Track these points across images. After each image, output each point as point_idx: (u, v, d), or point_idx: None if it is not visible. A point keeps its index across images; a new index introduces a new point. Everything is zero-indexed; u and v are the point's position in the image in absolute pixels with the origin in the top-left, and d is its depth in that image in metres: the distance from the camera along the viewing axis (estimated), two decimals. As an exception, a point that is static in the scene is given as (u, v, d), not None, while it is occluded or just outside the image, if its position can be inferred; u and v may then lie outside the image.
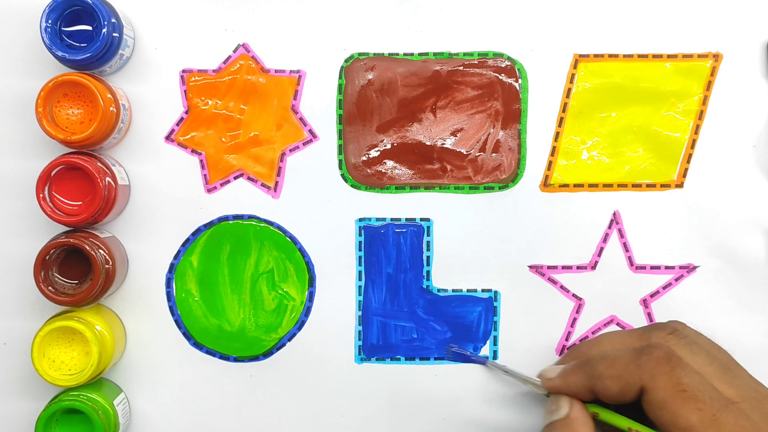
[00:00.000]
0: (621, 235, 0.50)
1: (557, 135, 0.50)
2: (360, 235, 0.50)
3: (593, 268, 0.50)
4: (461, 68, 0.50)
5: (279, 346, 0.51)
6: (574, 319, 0.51)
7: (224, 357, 0.51)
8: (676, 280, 0.50)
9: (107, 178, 0.46)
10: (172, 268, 0.50)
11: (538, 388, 0.47)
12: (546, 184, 0.50)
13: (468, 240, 0.50)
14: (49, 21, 0.45)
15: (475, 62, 0.50)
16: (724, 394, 0.39)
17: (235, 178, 0.50)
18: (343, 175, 0.50)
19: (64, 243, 0.46)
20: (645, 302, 0.51)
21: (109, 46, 0.46)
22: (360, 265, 0.50)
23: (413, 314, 0.51)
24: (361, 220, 0.50)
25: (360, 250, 0.50)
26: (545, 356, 0.51)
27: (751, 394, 0.39)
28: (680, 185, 0.50)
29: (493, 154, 0.50)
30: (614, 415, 0.43)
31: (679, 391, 0.39)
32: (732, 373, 0.41)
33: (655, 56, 0.50)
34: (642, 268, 0.50)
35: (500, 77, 0.50)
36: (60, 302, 0.46)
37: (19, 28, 0.48)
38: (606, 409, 0.43)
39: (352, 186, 0.50)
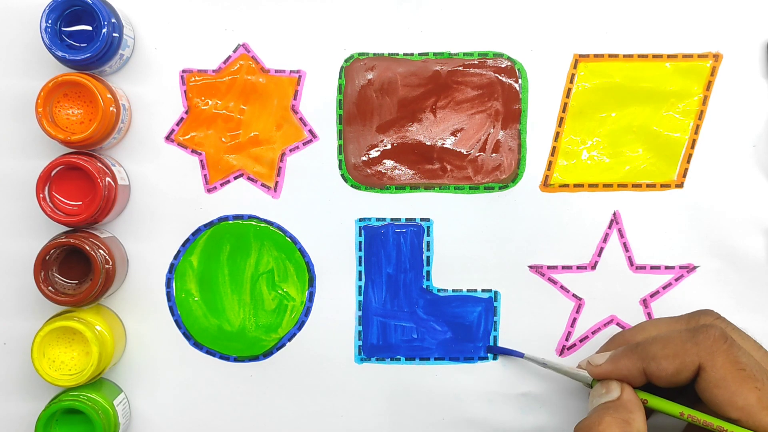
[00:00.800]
0: (621, 235, 0.50)
1: (557, 135, 0.50)
2: (360, 235, 0.50)
3: (593, 268, 0.50)
4: (461, 68, 0.50)
5: (279, 346, 0.51)
6: (574, 319, 0.51)
7: (224, 357, 0.51)
8: (676, 280, 0.50)
9: (107, 178, 0.46)
10: (172, 268, 0.50)
11: (580, 378, 0.46)
12: (546, 184, 0.50)
13: (468, 240, 0.50)
14: (49, 21, 0.45)
15: (475, 62, 0.50)
16: None
17: (235, 178, 0.50)
18: (343, 175, 0.50)
19: (64, 243, 0.46)
20: (645, 302, 0.51)
21: (109, 46, 0.46)
22: (360, 265, 0.50)
23: (413, 314, 0.51)
24: (361, 220, 0.50)
25: (360, 250, 0.50)
26: (545, 356, 0.51)
27: None
28: (680, 185, 0.50)
29: (493, 154, 0.50)
30: (664, 401, 0.42)
31: (738, 369, 0.38)
32: None
33: (655, 56, 0.50)
34: (642, 268, 0.50)
35: (500, 77, 0.50)
36: (60, 302, 0.46)
37: (19, 28, 0.48)
38: (655, 396, 0.43)
39: (352, 186, 0.50)
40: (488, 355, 0.51)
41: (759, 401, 0.37)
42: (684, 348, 0.40)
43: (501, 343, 0.51)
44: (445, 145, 0.50)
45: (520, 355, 0.49)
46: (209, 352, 0.51)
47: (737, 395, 0.38)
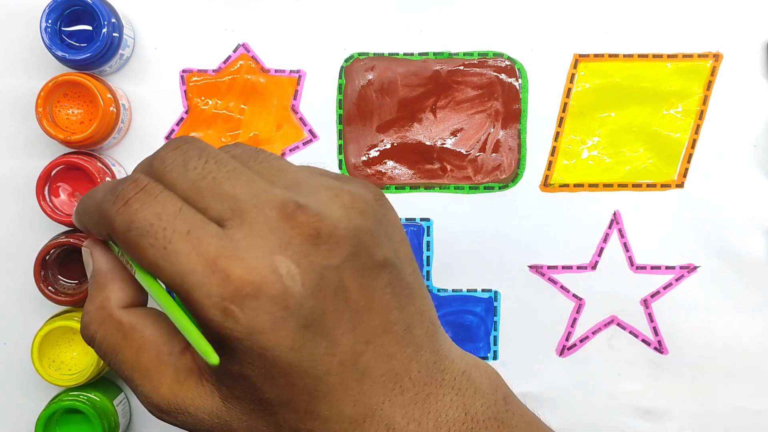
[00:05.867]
0: (621, 235, 0.50)
1: (557, 135, 0.50)
2: (360, 235, 0.50)
3: (593, 268, 0.50)
4: (461, 68, 0.50)
5: (279, 346, 0.51)
6: (575, 320, 0.51)
7: (224, 357, 0.51)
8: (677, 280, 0.50)
9: (107, 178, 0.46)
10: (172, 268, 0.50)
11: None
12: (546, 184, 0.50)
13: (468, 240, 0.50)
14: (49, 21, 0.45)
15: (475, 62, 0.50)
16: (211, 211, 0.29)
17: (235, 178, 0.50)
18: (343, 175, 0.50)
19: (64, 243, 0.46)
20: (645, 302, 0.51)
21: (109, 46, 0.46)
22: (360, 265, 0.50)
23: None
24: (361, 220, 0.50)
25: (360, 250, 0.50)
26: (545, 356, 0.51)
27: (255, 202, 0.28)
28: (680, 185, 0.50)
29: (493, 154, 0.50)
30: (113, 244, 0.33)
31: (130, 230, 0.29)
32: (246, 179, 0.29)
33: (655, 56, 0.50)
34: (642, 268, 0.50)
35: (500, 77, 0.50)
36: (60, 302, 0.46)
37: (19, 28, 0.48)
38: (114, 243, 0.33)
39: (352, 186, 0.50)
40: (488, 355, 0.51)
41: (154, 257, 0.28)
42: (97, 207, 0.30)
43: (501, 344, 0.51)
44: (445, 145, 0.50)
45: None
46: (209, 352, 0.50)
47: (136, 258, 0.29)
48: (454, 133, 0.50)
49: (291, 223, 0.28)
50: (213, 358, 0.27)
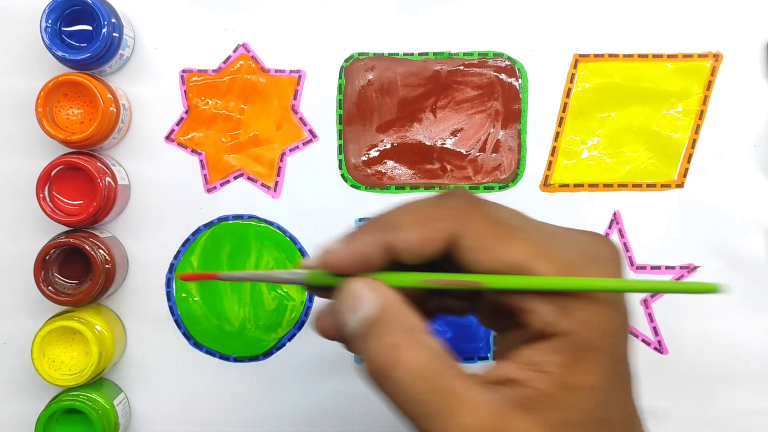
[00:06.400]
0: (621, 235, 0.50)
1: (557, 135, 0.50)
2: (360, 235, 0.50)
3: (593, 268, 0.50)
4: (461, 68, 0.50)
5: (279, 346, 0.51)
6: (575, 319, 0.51)
7: (224, 357, 0.51)
8: (677, 280, 0.50)
9: (107, 178, 0.46)
10: (172, 268, 0.50)
11: (303, 280, 0.32)
12: (546, 184, 0.50)
13: (468, 240, 0.50)
14: (49, 21, 0.45)
15: (475, 62, 0.50)
16: (543, 229, 0.31)
17: (235, 178, 0.50)
18: (343, 175, 0.50)
19: (64, 243, 0.46)
20: (645, 302, 0.51)
21: (109, 46, 0.46)
22: (360, 265, 0.50)
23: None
24: (361, 219, 0.50)
25: (360, 250, 0.50)
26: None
27: (561, 230, 0.32)
28: (680, 185, 0.50)
29: (493, 154, 0.50)
30: (401, 273, 0.32)
31: (494, 225, 0.30)
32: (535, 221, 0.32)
33: (655, 56, 0.50)
34: (642, 268, 0.50)
35: (500, 77, 0.50)
36: (60, 302, 0.46)
37: (19, 28, 0.48)
38: (390, 272, 0.31)
39: (352, 186, 0.50)
40: (488, 355, 0.51)
41: (530, 252, 0.29)
42: (431, 213, 0.31)
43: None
44: (445, 145, 0.50)
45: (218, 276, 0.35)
46: (209, 352, 0.51)
47: (504, 253, 0.29)
48: (454, 133, 0.50)
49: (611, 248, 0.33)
50: (717, 285, 0.29)
